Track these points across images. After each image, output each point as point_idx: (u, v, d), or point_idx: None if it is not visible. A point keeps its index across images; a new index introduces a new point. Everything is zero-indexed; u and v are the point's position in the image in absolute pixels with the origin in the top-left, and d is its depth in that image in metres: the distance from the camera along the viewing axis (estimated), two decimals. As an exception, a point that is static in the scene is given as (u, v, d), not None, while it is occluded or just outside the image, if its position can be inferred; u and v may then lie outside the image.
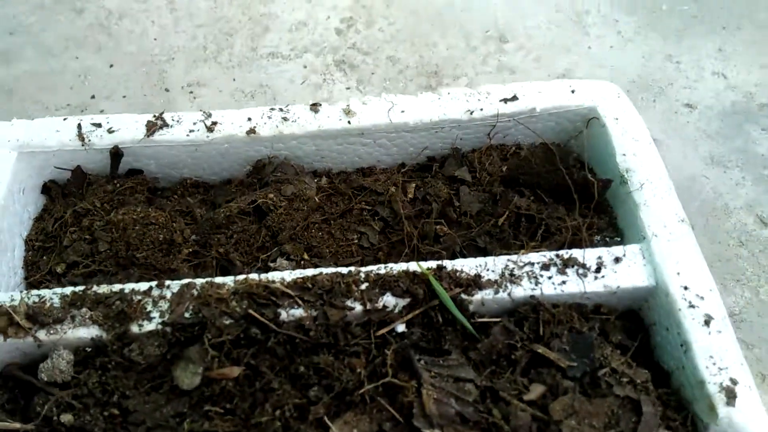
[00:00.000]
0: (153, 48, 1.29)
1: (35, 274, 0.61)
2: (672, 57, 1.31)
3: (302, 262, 0.62)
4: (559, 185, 0.64)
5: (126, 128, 0.64)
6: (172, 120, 0.65)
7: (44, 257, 0.62)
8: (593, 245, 0.59)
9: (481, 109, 0.66)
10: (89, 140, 0.63)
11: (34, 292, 0.54)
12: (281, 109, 0.67)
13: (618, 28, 1.35)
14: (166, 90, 1.23)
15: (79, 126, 0.64)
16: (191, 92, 1.23)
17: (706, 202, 1.08)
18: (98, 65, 1.26)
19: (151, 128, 0.64)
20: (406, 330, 0.53)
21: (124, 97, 1.21)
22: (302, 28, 1.33)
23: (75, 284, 0.61)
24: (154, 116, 0.65)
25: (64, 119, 0.65)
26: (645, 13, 1.38)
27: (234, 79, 1.25)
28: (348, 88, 1.25)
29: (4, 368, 0.52)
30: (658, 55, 1.31)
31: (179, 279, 0.61)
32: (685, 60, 1.30)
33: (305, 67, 1.28)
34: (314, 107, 0.67)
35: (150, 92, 1.22)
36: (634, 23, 1.36)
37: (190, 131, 0.65)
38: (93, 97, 1.21)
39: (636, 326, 0.57)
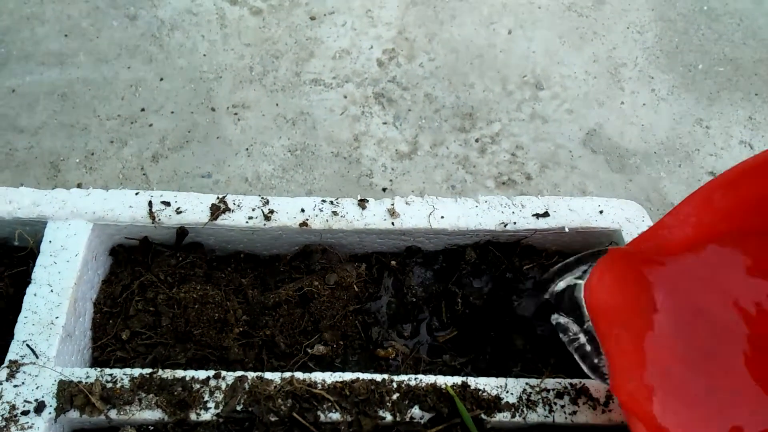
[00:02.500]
0: (202, 64, 1.33)
1: (102, 337, 0.69)
2: (702, 121, 1.34)
3: (338, 349, 0.70)
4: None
5: (192, 210, 0.71)
6: (233, 204, 0.72)
7: (110, 321, 0.70)
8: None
9: (515, 223, 0.72)
10: (159, 219, 0.70)
11: (107, 371, 0.61)
12: (332, 202, 0.73)
13: (653, 85, 1.39)
14: (212, 109, 1.28)
15: (150, 203, 0.71)
16: (236, 113, 1.28)
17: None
18: (149, 77, 1.31)
19: (215, 212, 0.70)
20: (428, 440, 0.60)
21: (172, 112, 1.27)
22: (345, 57, 1.37)
23: (138, 353, 0.68)
24: (218, 198, 0.72)
25: (136, 194, 0.71)
26: (681, 72, 1.41)
27: (277, 104, 1.30)
28: (385, 123, 1.30)
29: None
30: (688, 117, 1.35)
31: (229, 356, 0.69)
32: (715, 125, 1.34)
33: (345, 97, 1.33)
34: (362, 203, 0.73)
35: (197, 110, 1.28)
36: (669, 82, 1.39)
37: (249, 218, 0.71)
38: (143, 110, 1.27)
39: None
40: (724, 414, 0.55)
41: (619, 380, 0.53)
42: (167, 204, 0.71)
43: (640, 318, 0.59)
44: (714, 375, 0.57)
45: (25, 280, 0.71)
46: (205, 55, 1.35)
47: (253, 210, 0.72)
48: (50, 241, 0.68)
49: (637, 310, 0.59)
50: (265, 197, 0.73)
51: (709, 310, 0.60)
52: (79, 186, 1.18)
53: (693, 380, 0.57)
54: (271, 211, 0.72)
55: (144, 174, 1.20)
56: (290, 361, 0.70)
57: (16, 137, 1.23)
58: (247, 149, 1.24)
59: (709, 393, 0.56)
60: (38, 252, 0.68)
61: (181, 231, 0.71)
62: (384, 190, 1.22)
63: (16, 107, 1.27)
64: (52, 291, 0.65)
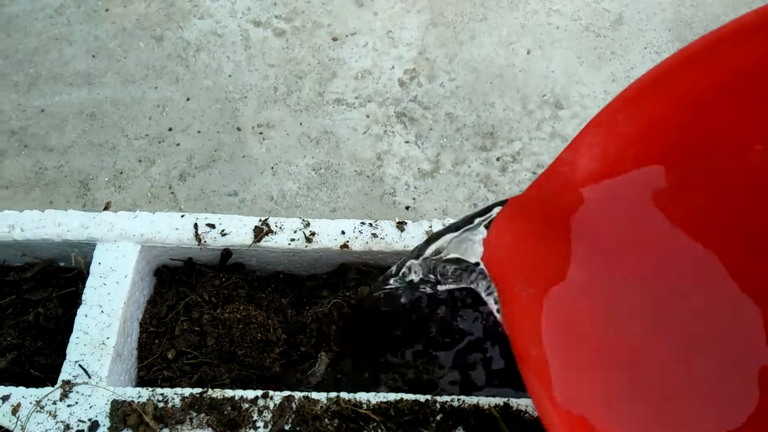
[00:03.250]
0: (227, 85, 1.36)
1: (148, 357, 0.70)
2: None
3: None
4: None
5: (236, 232, 0.73)
6: (276, 226, 0.73)
7: (156, 341, 0.71)
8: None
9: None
10: (204, 241, 0.72)
11: (158, 390, 0.63)
12: (371, 224, 0.74)
13: (670, 105, 1.40)
14: (238, 129, 1.31)
15: (196, 226, 0.73)
16: (261, 133, 1.31)
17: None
18: (175, 97, 1.34)
19: (258, 234, 0.72)
20: (471, 459, 0.62)
21: (199, 132, 1.29)
22: (367, 77, 1.40)
23: (184, 372, 0.70)
24: (260, 221, 0.73)
25: (182, 216, 0.73)
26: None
27: (301, 123, 1.32)
28: (407, 142, 1.32)
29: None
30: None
31: (270, 376, 0.70)
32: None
33: (368, 116, 1.35)
34: (400, 225, 0.74)
35: (222, 129, 1.30)
36: (686, 102, 1.41)
37: (292, 240, 0.73)
38: (170, 129, 1.29)
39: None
40: (636, 380, 0.47)
41: (522, 349, 0.45)
42: (212, 226, 0.73)
43: (543, 273, 0.50)
44: (626, 334, 0.49)
45: (72, 301, 0.72)
46: (230, 75, 1.38)
47: (295, 232, 0.74)
48: (99, 263, 0.70)
49: (540, 264, 0.50)
50: (306, 219, 0.74)
51: (621, 258, 0.51)
52: (108, 205, 1.21)
53: (603, 341, 0.49)
54: (313, 233, 0.73)
55: (172, 192, 1.22)
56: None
57: (46, 156, 1.26)
58: (272, 168, 1.26)
59: (618, 356, 0.48)
60: (87, 273, 0.70)
61: (226, 252, 0.73)
62: (407, 208, 1.24)
63: (46, 127, 1.29)
64: (102, 312, 0.67)
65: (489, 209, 0.55)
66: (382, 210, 1.24)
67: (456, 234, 0.57)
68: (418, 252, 0.63)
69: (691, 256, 0.51)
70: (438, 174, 1.28)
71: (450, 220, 0.74)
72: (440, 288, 0.62)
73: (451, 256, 0.57)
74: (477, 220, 0.56)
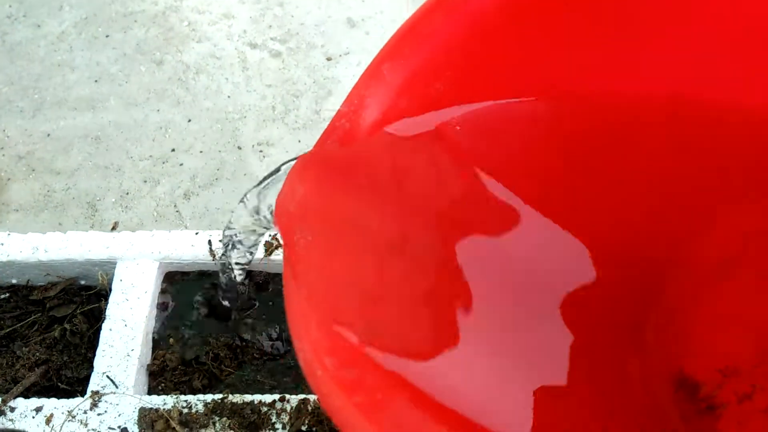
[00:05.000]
0: (227, 105, 1.41)
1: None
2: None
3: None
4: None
5: (247, 247, 0.77)
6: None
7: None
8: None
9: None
10: (219, 257, 0.76)
11: (182, 397, 0.67)
12: (374, 236, 0.79)
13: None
14: (239, 148, 1.35)
15: (210, 242, 0.77)
16: (261, 151, 1.35)
17: None
18: (177, 119, 1.38)
19: (269, 248, 0.77)
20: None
21: (201, 152, 1.34)
22: (362, 94, 1.45)
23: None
24: (270, 236, 0.78)
25: (196, 233, 0.78)
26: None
27: (299, 140, 1.37)
28: (402, 156, 1.37)
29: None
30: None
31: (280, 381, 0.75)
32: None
33: (364, 132, 1.40)
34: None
35: (224, 149, 1.35)
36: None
37: (300, 253, 0.77)
38: (173, 150, 1.34)
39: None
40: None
41: (287, 293, 0.43)
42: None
43: (329, 223, 0.49)
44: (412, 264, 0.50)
45: (94, 316, 0.77)
46: (229, 96, 1.42)
47: (303, 245, 0.78)
48: (121, 280, 0.74)
49: (323, 213, 0.49)
50: (313, 233, 0.79)
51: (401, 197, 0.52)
52: (115, 224, 1.25)
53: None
54: (320, 246, 0.78)
55: (177, 211, 1.26)
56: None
57: (53, 179, 1.30)
58: (273, 185, 1.31)
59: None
60: (109, 290, 0.74)
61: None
62: (404, 220, 1.29)
63: (52, 151, 1.33)
64: (126, 326, 0.71)
65: (277, 170, 0.54)
66: (380, 222, 1.29)
67: (246, 199, 0.57)
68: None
69: (487, 197, 0.54)
70: (432, 186, 1.33)
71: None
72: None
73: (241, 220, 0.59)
74: (265, 182, 0.55)
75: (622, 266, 0.58)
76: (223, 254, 0.64)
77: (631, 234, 0.58)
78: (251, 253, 0.64)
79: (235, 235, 0.61)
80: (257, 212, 0.57)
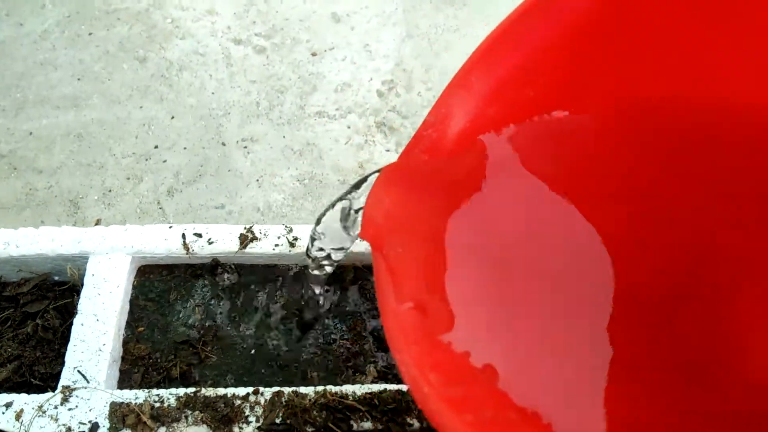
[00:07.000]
0: (211, 102, 1.40)
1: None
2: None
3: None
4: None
5: (222, 240, 0.76)
6: (260, 233, 0.77)
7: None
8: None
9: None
10: (192, 250, 0.76)
11: (154, 391, 0.66)
12: (351, 228, 0.78)
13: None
14: (223, 144, 1.35)
15: (183, 236, 0.76)
16: (245, 147, 1.35)
17: None
18: (160, 116, 1.37)
19: (244, 241, 0.76)
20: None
21: (185, 148, 1.33)
22: (347, 89, 1.44)
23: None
24: (245, 228, 0.77)
25: (170, 227, 0.77)
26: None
27: (284, 137, 1.37)
28: (387, 150, 1.37)
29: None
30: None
31: (254, 374, 0.74)
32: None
33: (349, 127, 1.39)
34: (379, 228, 0.79)
35: (208, 145, 1.34)
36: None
37: (276, 245, 0.77)
38: (156, 147, 1.33)
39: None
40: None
41: (384, 304, 0.42)
42: (199, 236, 0.77)
43: (414, 232, 0.48)
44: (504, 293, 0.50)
45: (68, 311, 0.76)
46: (213, 93, 1.42)
47: (279, 238, 0.77)
48: (93, 275, 0.73)
49: (411, 225, 0.48)
50: (289, 226, 0.78)
51: (490, 212, 0.51)
52: (98, 222, 1.24)
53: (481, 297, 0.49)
54: (296, 238, 0.77)
55: (160, 208, 1.25)
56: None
57: (36, 178, 1.29)
58: (257, 180, 1.30)
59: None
60: (81, 285, 0.73)
61: (215, 262, 0.77)
62: (390, 214, 1.28)
63: (34, 149, 1.33)
64: (98, 320, 0.70)
65: (365, 179, 0.54)
66: (366, 217, 1.28)
67: (332, 209, 0.57)
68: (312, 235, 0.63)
69: (553, 207, 0.53)
70: (418, 180, 1.33)
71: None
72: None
73: (325, 230, 0.59)
74: (352, 194, 0.56)
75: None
76: (311, 251, 0.64)
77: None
78: (341, 251, 0.63)
79: (322, 236, 0.61)
80: (345, 220, 0.57)
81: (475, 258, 0.51)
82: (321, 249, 0.63)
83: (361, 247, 0.78)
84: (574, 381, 0.50)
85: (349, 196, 0.55)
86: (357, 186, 0.55)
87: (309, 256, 0.65)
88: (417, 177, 0.50)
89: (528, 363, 0.49)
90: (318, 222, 0.60)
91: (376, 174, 0.51)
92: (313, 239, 0.63)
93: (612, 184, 0.55)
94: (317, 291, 0.74)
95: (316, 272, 0.68)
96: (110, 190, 1.27)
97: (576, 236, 0.54)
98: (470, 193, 0.52)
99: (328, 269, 0.67)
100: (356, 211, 0.55)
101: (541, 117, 0.52)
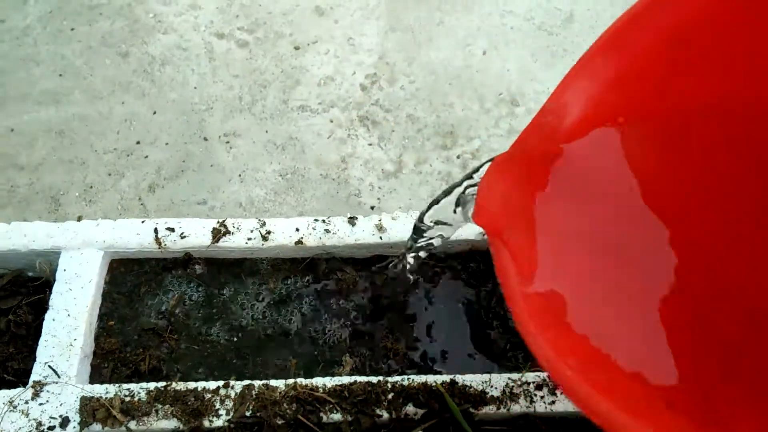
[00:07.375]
0: (193, 97, 1.40)
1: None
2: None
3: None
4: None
5: (195, 234, 0.76)
6: (233, 227, 0.77)
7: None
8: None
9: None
10: (165, 244, 0.76)
11: (125, 386, 0.67)
12: (324, 221, 0.79)
13: (621, 97, 1.46)
14: (205, 139, 1.34)
15: (156, 230, 0.76)
16: (227, 142, 1.34)
17: None
18: (142, 111, 1.37)
19: (216, 235, 0.76)
20: (423, 434, 0.66)
21: (167, 144, 1.33)
22: (330, 83, 1.44)
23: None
24: (218, 222, 0.77)
25: (142, 222, 0.77)
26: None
27: (266, 131, 1.36)
28: (370, 144, 1.37)
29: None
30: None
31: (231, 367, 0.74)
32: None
33: (331, 121, 1.39)
34: (351, 220, 0.79)
35: (190, 140, 1.34)
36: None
37: (249, 239, 0.77)
38: (138, 142, 1.33)
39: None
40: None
41: (511, 289, 0.43)
42: (171, 230, 0.77)
43: (527, 218, 0.48)
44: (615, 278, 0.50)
45: (41, 307, 0.76)
46: (195, 87, 1.41)
47: (252, 232, 0.78)
48: (65, 270, 0.73)
49: (525, 211, 0.49)
50: (262, 219, 0.78)
51: (600, 210, 0.51)
52: (79, 218, 1.24)
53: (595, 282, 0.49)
54: (269, 232, 0.78)
55: (142, 204, 1.25)
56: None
57: (17, 174, 1.28)
58: (239, 175, 1.30)
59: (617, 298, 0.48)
60: (54, 280, 0.73)
61: (188, 256, 0.77)
62: (372, 208, 1.28)
63: (16, 145, 1.32)
64: (69, 315, 0.70)
65: (477, 169, 0.55)
66: (349, 211, 1.28)
67: (448, 197, 0.60)
68: (417, 223, 0.65)
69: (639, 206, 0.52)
70: (401, 174, 1.33)
71: (414, 213, 0.79)
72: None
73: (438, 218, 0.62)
74: (465, 183, 0.58)
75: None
76: (415, 239, 0.67)
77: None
78: (441, 239, 0.66)
79: (429, 224, 0.63)
80: (456, 208, 0.59)
81: (578, 244, 0.50)
82: (425, 237, 0.66)
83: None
84: (652, 337, 0.48)
85: (464, 183, 0.57)
86: (470, 175, 0.57)
87: (412, 244, 0.68)
88: (529, 164, 0.49)
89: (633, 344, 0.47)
90: (429, 207, 0.62)
91: (489, 163, 0.52)
92: (419, 229, 0.65)
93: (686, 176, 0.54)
94: (410, 278, 0.78)
95: (410, 259, 0.72)
96: (91, 187, 1.27)
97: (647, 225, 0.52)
98: (575, 182, 0.51)
99: (423, 255, 0.71)
100: (471, 197, 0.57)
101: (652, 111, 0.50)
